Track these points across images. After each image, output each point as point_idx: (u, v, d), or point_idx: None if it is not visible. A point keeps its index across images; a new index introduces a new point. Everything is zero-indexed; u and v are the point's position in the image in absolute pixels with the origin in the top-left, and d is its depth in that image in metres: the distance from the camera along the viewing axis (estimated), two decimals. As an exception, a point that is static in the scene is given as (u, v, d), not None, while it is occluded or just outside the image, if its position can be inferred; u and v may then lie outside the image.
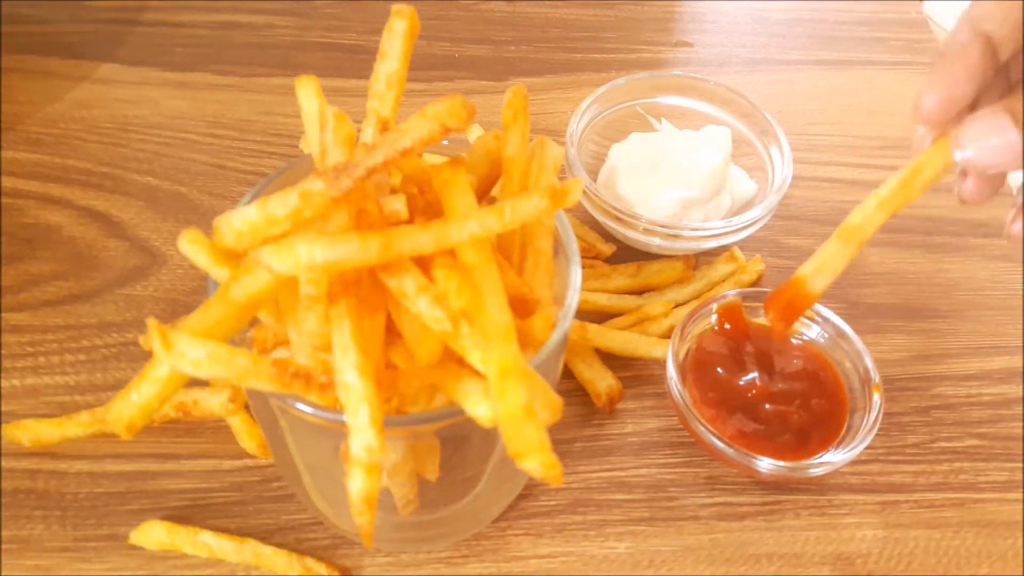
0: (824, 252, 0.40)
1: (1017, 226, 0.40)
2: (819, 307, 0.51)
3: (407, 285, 0.31)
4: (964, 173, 0.41)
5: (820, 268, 0.40)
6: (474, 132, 0.62)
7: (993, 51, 0.36)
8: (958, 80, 0.36)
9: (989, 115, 0.35)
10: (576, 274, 0.37)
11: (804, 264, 0.41)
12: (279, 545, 0.44)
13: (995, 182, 0.40)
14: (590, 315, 0.54)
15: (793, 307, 0.41)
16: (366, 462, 0.29)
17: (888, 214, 0.40)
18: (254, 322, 0.35)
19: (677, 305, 0.55)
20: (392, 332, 0.33)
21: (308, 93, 0.38)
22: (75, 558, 0.44)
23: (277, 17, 0.76)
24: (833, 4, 0.83)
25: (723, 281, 0.57)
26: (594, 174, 0.61)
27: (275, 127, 0.66)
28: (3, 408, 0.49)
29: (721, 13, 0.81)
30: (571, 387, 0.52)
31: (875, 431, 0.46)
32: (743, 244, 0.59)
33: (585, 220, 0.60)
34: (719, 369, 0.49)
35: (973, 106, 0.37)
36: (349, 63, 0.72)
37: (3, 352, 0.51)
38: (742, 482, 0.49)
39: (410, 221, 0.32)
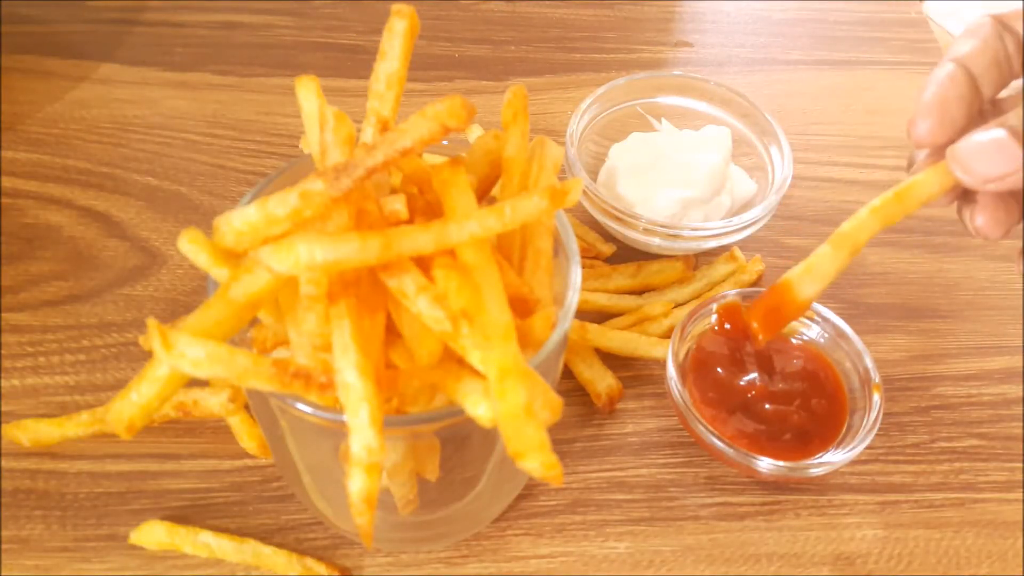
0: (814, 256, 0.38)
1: None
2: (819, 307, 0.51)
3: (407, 285, 0.31)
4: (969, 201, 0.39)
5: (809, 271, 0.38)
6: (474, 132, 0.62)
7: (976, 85, 0.37)
8: (948, 103, 0.37)
9: (985, 130, 0.35)
10: (576, 274, 0.37)
11: (793, 268, 0.39)
12: (279, 545, 0.44)
13: (1010, 211, 0.38)
14: (590, 315, 0.54)
15: (779, 314, 0.39)
16: (366, 462, 0.29)
17: (881, 224, 0.38)
18: (254, 322, 0.35)
19: (677, 305, 0.55)
20: (392, 332, 0.33)
21: (308, 93, 0.38)
22: (75, 558, 0.44)
23: (277, 17, 0.76)
24: (833, 4, 0.83)
25: (723, 281, 0.57)
26: (594, 174, 0.61)
27: (275, 127, 0.66)
28: (3, 408, 0.49)
29: (721, 13, 0.81)
30: (571, 387, 0.52)
31: (875, 431, 0.46)
32: (743, 244, 0.59)
33: (585, 220, 0.60)
34: (719, 369, 0.49)
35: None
36: (349, 63, 0.72)
37: (3, 352, 0.51)
38: (742, 482, 0.49)
39: (410, 221, 0.32)
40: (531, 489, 0.47)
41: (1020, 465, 0.50)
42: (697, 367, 0.49)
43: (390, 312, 0.32)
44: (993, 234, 0.38)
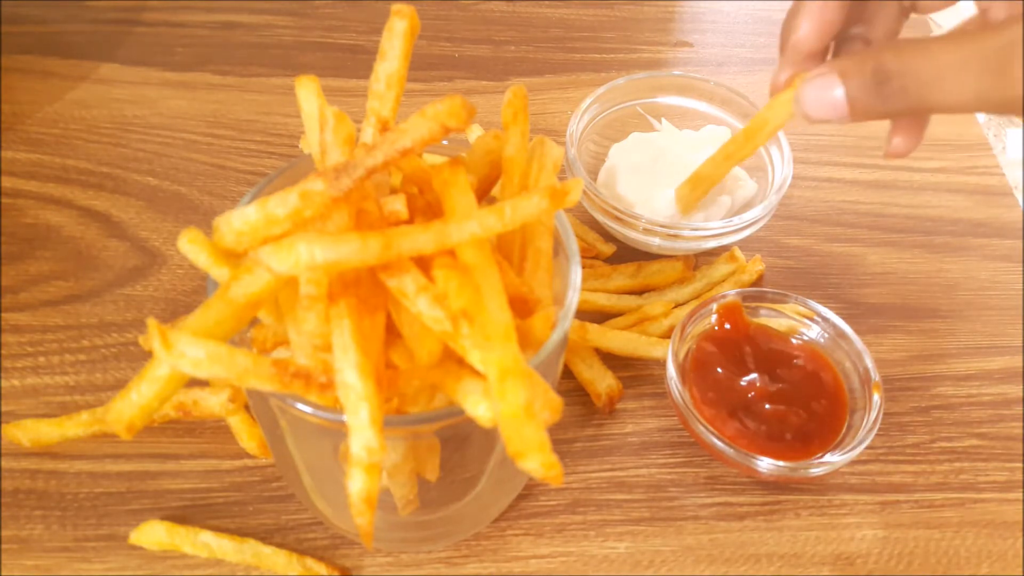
0: (677, 190, 0.52)
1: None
2: (819, 307, 0.51)
3: (407, 285, 0.31)
4: (892, 130, 0.44)
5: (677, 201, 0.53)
6: (474, 132, 0.62)
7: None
8: (826, 9, 0.42)
9: (822, 73, 0.39)
10: (576, 274, 0.37)
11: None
12: (279, 545, 0.44)
13: (915, 134, 0.43)
14: (590, 315, 0.54)
15: None
16: (366, 462, 0.29)
17: (735, 163, 0.50)
18: (254, 322, 0.35)
19: (677, 305, 0.55)
20: (392, 332, 0.33)
21: (308, 93, 0.38)
22: (75, 558, 0.44)
23: (277, 17, 0.76)
24: (833, 4, 0.83)
25: (723, 281, 0.57)
26: (594, 174, 0.61)
27: (275, 127, 0.66)
28: (3, 408, 0.49)
29: (721, 13, 0.81)
30: (571, 387, 0.52)
31: (875, 431, 0.46)
32: (743, 244, 0.59)
33: (585, 220, 0.60)
34: (719, 369, 0.49)
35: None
36: (349, 63, 0.72)
37: (3, 352, 0.51)
38: (742, 482, 0.49)
39: (410, 221, 0.32)
40: (531, 489, 0.47)
41: (1020, 465, 0.50)
42: (697, 367, 0.49)
43: (390, 312, 0.32)
44: (901, 153, 0.43)
